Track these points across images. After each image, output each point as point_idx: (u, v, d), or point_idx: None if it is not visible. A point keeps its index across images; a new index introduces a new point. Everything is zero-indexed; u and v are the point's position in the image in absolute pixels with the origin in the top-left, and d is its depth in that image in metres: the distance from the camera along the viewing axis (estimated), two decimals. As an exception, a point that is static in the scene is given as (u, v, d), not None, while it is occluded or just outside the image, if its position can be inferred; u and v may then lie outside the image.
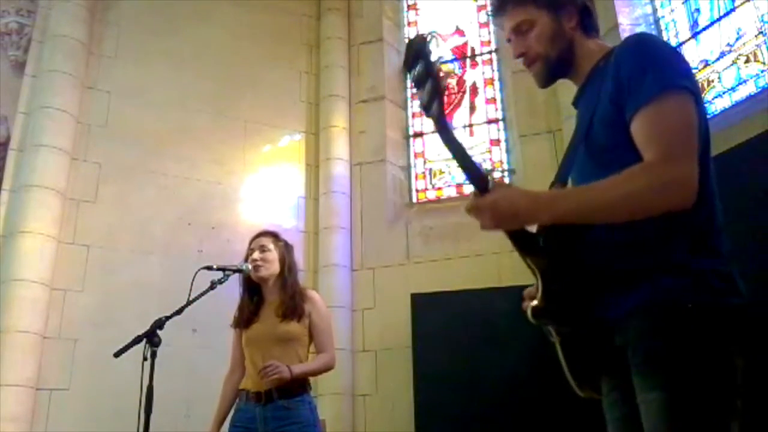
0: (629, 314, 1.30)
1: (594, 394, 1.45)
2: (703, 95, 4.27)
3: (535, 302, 1.37)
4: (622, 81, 1.32)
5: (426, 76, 1.32)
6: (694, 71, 4.50)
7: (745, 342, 1.26)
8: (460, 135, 5.63)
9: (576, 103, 1.55)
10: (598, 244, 1.37)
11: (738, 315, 1.26)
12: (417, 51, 1.33)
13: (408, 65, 1.35)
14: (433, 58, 1.33)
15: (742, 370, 1.24)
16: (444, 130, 1.36)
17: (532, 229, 1.39)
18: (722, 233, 1.33)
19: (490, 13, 1.59)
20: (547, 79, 1.53)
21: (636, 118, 1.29)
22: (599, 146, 1.40)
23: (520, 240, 1.38)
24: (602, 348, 1.37)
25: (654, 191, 1.23)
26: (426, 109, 1.34)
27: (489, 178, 1.35)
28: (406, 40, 6.06)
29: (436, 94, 1.31)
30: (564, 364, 1.42)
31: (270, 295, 2.78)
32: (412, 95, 5.90)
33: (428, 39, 1.37)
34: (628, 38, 1.43)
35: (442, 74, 1.38)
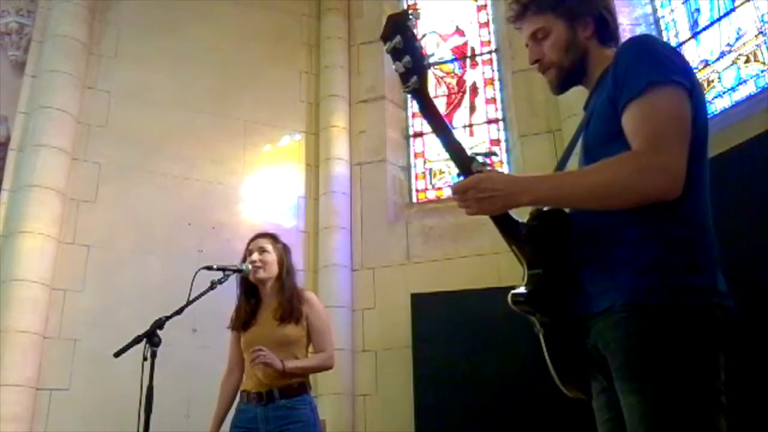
0: (607, 313, 1.30)
1: (580, 394, 1.44)
2: (705, 95, 4.27)
3: (518, 289, 1.39)
4: (618, 77, 1.34)
5: (403, 49, 1.34)
6: (694, 71, 4.53)
7: (727, 340, 1.24)
8: (460, 135, 5.64)
9: (586, 107, 1.57)
10: (580, 236, 1.38)
11: (721, 314, 1.25)
12: (395, 25, 1.36)
13: (385, 37, 1.38)
14: (414, 34, 1.37)
15: (724, 368, 1.23)
16: (423, 106, 1.38)
17: (523, 219, 1.41)
18: (709, 233, 1.32)
19: (509, 18, 1.62)
20: (560, 87, 1.55)
21: (626, 110, 1.30)
22: (593, 139, 1.42)
23: (506, 226, 1.40)
24: (584, 347, 1.37)
25: (636, 176, 1.24)
26: (404, 82, 1.37)
27: (473, 160, 1.37)
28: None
29: (415, 70, 1.34)
30: (548, 360, 1.42)
31: (268, 297, 2.77)
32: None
33: (409, 15, 1.39)
34: (627, 39, 1.44)
35: (423, 52, 1.40)
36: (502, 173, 1.38)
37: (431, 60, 6.02)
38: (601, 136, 1.38)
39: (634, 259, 1.28)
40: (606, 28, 1.51)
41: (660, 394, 1.20)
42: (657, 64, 1.30)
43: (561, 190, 1.33)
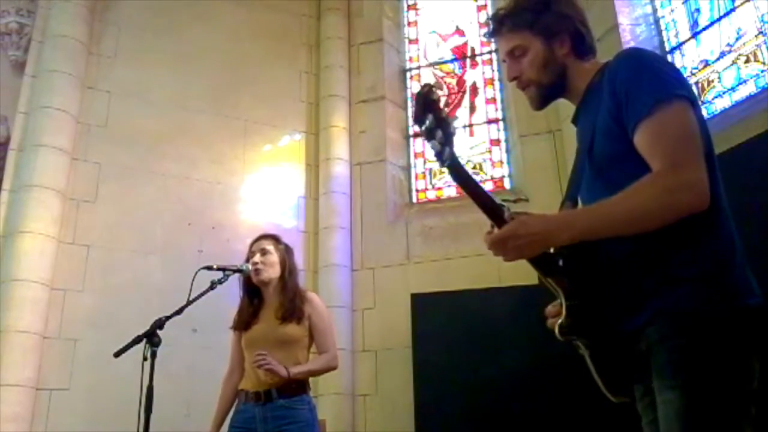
0: (649, 322, 1.32)
1: (626, 399, 1.47)
2: (701, 98, 4.28)
3: (560, 320, 1.40)
4: (619, 96, 1.35)
5: (436, 126, 1.33)
6: (693, 71, 4.52)
7: (762, 343, 1.27)
8: (460, 135, 5.64)
9: (575, 121, 1.58)
10: (613, 258, 1.39)
11: (755, 316, 1.27)
12: (424, 102, 1.35)
13: (418, 119, 1.36)
14: (440, 105, 1.36)
15: (758, 374, 1.25)
16: (458, 174, 1.37)
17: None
18: (734, 235, 1.35)
19: (487, 34, 1.64)
20: (540, 103, 1.58)
21: (638, 131, 1.31)
22: (602, 159, 1.43)
23: (542, 264, 1.39)
24: (629, 355, 1.39)
25: (665, 198, 1.26)
26: (440, 158, 1.35)
27: (504, 209, 1.37)
28: (407, 40, 6.08)
29: (447, 142, 1.33)
30: (595, 374, 1.45)
31: (270, 297, 2.78)
32: (413, 95, 5.91)
33: (433, 87, 1.39)
34: (618, 54, 1.45)
35: (448, 115, 1.38)
36: (534, 215, 1.37)
37: (431, 60, 6.03)
38: (611, 156, 1.40)
39: (672, 270, 1.31)
40: (582, 42, 1.52)
41: (698, 393, 1.23)
42: (658, 80, 1.32)
43: (596, 223, 1.34)
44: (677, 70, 1.43)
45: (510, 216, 1.35)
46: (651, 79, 1.32)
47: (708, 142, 1.36)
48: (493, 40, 1.62)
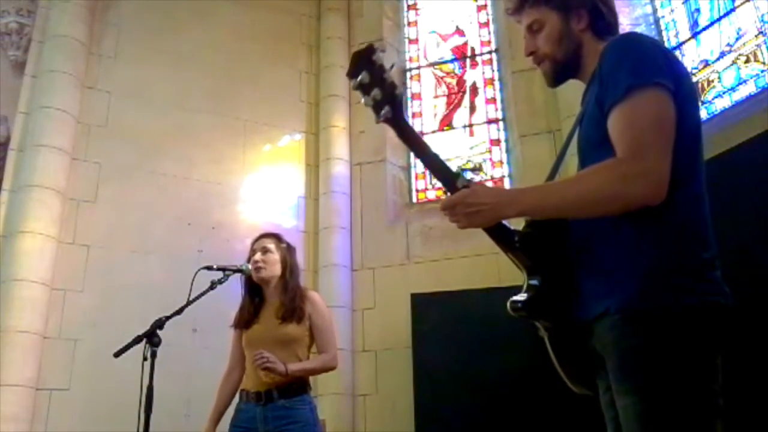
0: (604, 315, 1.29)
1: (587, 391, 1.45)
2: (701, 98, 4.28)
3: (517, 296, 1.40)
4: (603, 79, 1.34)
5: (371, 83, 1.37)
6: (693, 71, 4.51)
7: (725, 341, 1.24)
8: (460, 135, 5.64)
9: (583, 101, 1.56)
10: (575, 241, 1.38)
11: (718, 314, 1.24)
12: (360, 62, 1.39)
13: (350, 74, 1.40)
14: (382, 65, 1.38)
15: (721, 369, 1.22)
16: (401, 133, 1.40)
17: (519, 227, 1.42)
18: (707, 233, 1.31)
19: (508, 10, 1.62)
20: (554, 79, 1.55)
21: (610, 115, 1.30)
22: (586, 143, 1.42)
23: (499, 236, 1.41)
24: (587, 348, 1.37)
25: (618, 185, 1.24)
26: (375, 113, 1.39)
27: (458, 176, 1.39)
28: (407, 40, 6.08)
29: (386, 100, 1.37)
30: (554, 359, 1.43)
31: (271, 296, 2.78)
32: (413, 95, 5.91)
33: (375, 49, 1.41)
34: (613, 38, 1.44)
35: (394, 81, 1.41)
36: (488, 187, 1.40)
37: (431, 60, 6.03)
38: (592, 140, 1.38)
39: (628, 263, 1.28)
40: (601, 20, 1.49)
41: (655, 395, 1.20)
42: (638, 66, 1.29)
43: (546, 201, 1.34)
44: (668, 57, 1.37)
45: (464, 184, 1.36)
46: (631, 65, 1.29)
47: (693, 132, 1.33)
48: (514, 17, 1.60)
